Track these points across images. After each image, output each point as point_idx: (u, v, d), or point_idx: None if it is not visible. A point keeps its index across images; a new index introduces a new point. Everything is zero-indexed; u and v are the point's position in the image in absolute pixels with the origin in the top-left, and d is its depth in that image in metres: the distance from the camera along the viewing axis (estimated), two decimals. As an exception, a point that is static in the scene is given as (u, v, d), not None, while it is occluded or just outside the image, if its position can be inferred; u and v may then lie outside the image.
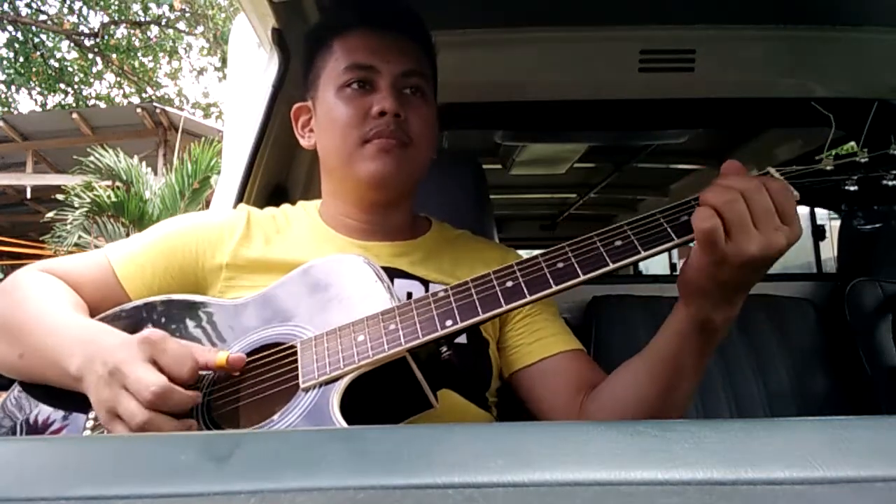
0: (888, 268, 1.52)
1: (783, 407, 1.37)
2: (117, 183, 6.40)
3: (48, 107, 12.90)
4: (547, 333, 0.86)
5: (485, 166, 1.53)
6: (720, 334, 0.66)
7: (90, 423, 0.70)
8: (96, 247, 6.00)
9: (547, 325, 0.87)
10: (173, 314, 0.78)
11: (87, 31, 12.45)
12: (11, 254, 9.08)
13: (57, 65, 12.66)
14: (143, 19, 12.56)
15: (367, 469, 0.29)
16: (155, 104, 8.27)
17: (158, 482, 0.28)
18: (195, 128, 7.71)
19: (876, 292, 1.47)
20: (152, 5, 12.33)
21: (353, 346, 0.65)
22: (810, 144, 2.01)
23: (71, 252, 6.08)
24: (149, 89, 13.47)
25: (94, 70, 13.12)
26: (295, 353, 0.68)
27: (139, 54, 13.04)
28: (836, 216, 2.19)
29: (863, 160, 0.64)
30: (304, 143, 0.95)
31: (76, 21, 12.35)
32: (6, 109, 12.02)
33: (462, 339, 0.80)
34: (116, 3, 12.15)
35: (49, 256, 6.41)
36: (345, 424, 0.60)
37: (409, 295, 0.80)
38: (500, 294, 0.64)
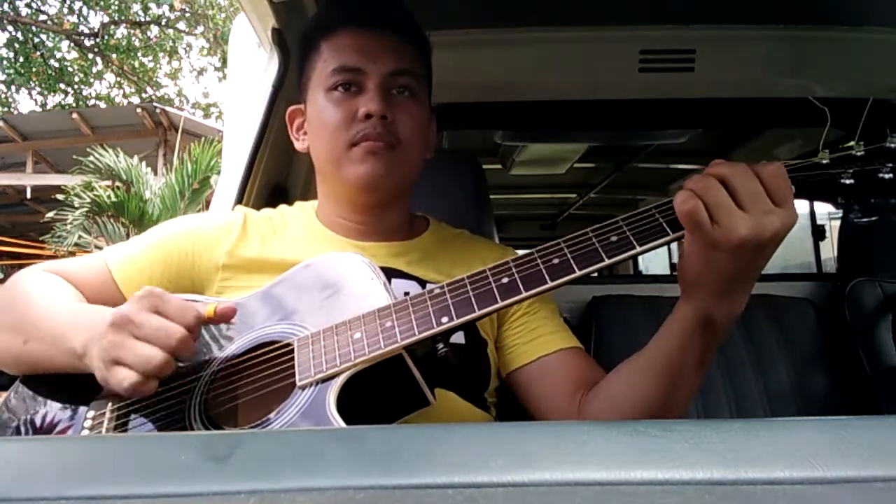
0: (888, 268, 1.52)
1: (783, 407, 1.37)
2: (117, 183, 6.40)
3: (48, 107, 12.92)
4: (545, 331, 0.86)
5: (485, 166, 1.53)
6: (722, 332, 0.65)
7: (88, 423, 0.70)
8: (97, 247, 6.01)
9: (545, 324, 0.87)
10: None
11: (87, 31, 12.46)
12: (11, 254, 9.08)
13: (57, 65, 12.67)
14: (143, 19, 12.57)
15: (367, 469, 0.29)
16: (155, 104, 8.27)
17: (158, 482, 0.28)
18: (195, 128, 7.71)
19: (876, 292, 1.47)
20: (152, 5, 12.35)
21: (349, 343, 0.65)
22: (810, 144, 2.01)
23: (71, 252, 6.10)
24: (149, 89, 13.48)
25: (94, 70, 13.14)
26: (292, 351, 0.68)
27: (139, 54, 13.05)
28: (836, 216, 2.20)
29: (859, 154, 0.64)
30: (298, 145, 0.95)
31: (76, 21, 12.37)
32: (6, 109, 12.03)
33: (460, 339, 0.80)
34: (116, 3, 12.16)
35: (49, 256, 6.42)
36: (341, 422, 0.60)
37: (407, 295, 0.81)
38: (495, 290, 0.64)
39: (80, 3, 12.06)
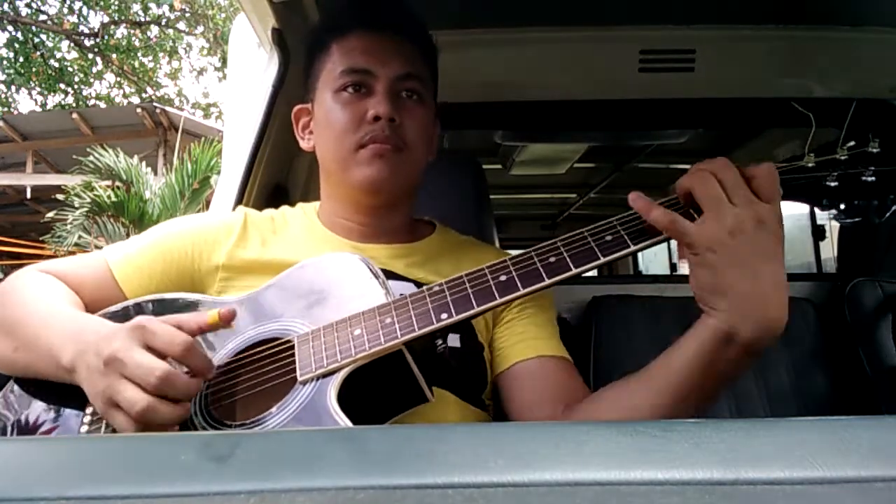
0: (888, 268, 1.52)
1: (783, 407, 1.37)
2: (117, 183, 6.40)
3: (48, 107, 12.92)
4: (528, 336, 0.83)
5: (485, 166, 1.53)
6: (750, 352, 0.59)
7: (87, 419, 0.70)
8: (97, 247, 6.01)
9: (531, 328, 0.84)
10: (170, 313, 0.78)
11: (87, 31, 12.46)
12: (11, 254, 9.08)
13: (57, 65, 12.67)
14: (143, 19, 12.57)
15: (367, 469, 0.29)
16: (155, 104, 8.27)
17: (158, 482, 0.28)
18: (195, 128, 7.71)
19: (876, 292, 1.47)
20: (152, 5, 12.35)
21: (349, 339, 0.65)
22: (810, 144, 2.00)
23: (71, 252, 6.10)
24: (149, 89, 13.48)
25: (94, 70, 13.14)
26: (292, 348, 0.68)
27: (139, 54, 13.05)
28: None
29: (843, 157, 0.66)
30: (303, 144, 0.95)
31: (76, 21, 12.37)
32: (6, 109, 12.03)
33: (456, 342, 0.81)
34: (116, 3, 12.16)
35: (49, 256, 6.42)
36: (343, 415, 0.61)
37: None
38: (493, 288, 0.65)
39: (80, 3, 12.07)
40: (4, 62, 12.10)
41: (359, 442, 0.32)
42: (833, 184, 0.67)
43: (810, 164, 0.66)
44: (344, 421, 0.60)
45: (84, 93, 13.18)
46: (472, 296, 0.65)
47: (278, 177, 1.37)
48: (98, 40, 12.35)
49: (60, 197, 6.44)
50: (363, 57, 0.85)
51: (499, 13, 1.35)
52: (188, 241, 0.86)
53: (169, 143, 7.68)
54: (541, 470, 0.28)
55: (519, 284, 0.64)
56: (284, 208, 0.97)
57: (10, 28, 11.78)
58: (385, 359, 0.65)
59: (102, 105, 12.60)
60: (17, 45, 12.07)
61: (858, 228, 1.63)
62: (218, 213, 1.15)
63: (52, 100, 13.09)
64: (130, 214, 6.16)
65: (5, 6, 11.40)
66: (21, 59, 12.11)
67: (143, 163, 6.68)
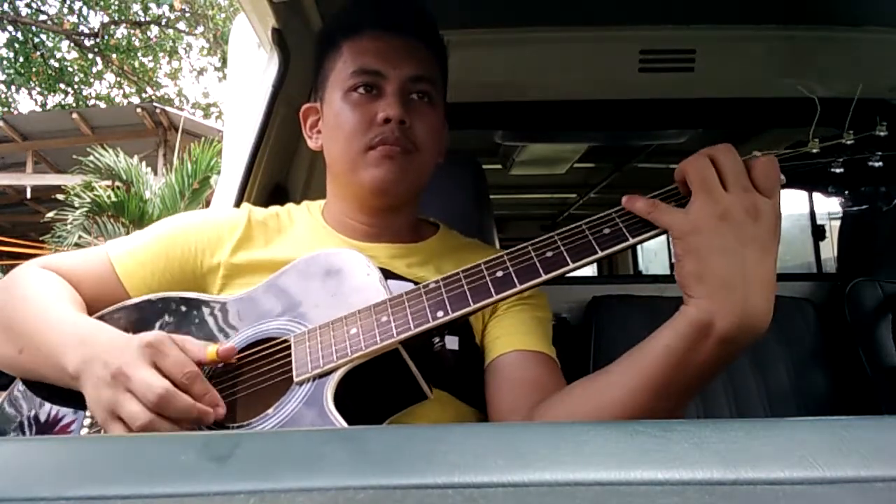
0: (888, 268, 1.53)
1: (783, 407, 1.38)
2: (117, 183, 6.40)
3: (48, 107, 12.91)
4: (510, 331, 0.82)
5: (485, 166, 1.54)
6: (726, 347, 0.56)
7: (87, 421, 0.70)
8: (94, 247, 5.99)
9: (514, 324, 0.83)
10: (169, 312, 0.78)
11: (87, 31, 12.46)
12: (11, 254, 9.08)
13: (57, 65, 12.67)
14: (143, 19, 12.57)
15: (367, 469, 0.29)
16: (155, 104, 8.27)
17: (158, 482, 0.28)
18: (195, 128, 7.71)
19: (876, 292, 1.47)
20: (152, 5, 12.35)
21: (345, 338, 0.65)
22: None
23: (71, 252, 6.09)
24: (149, 89, 13.47)
25: (94, 70, 13.14)
26: (289, 348, 0.68)
27: (139, 54, 13.05)
28: (836, 216, 2.19)
29: (849, 142, 0.64)
30: (311, 144, 0.94)
31: (76, 21, 12.37)
32: (6, 109, 12.03)
33: (454, 344, 0.80)
34: (116, 3, 12.16)
35: (49, 256, 6.39)
36: (339, 416, 0.61)
37: None
38: (490, 284, 0.64)
39: (80, 3, 12.07)
40: (4, 62, 12.10)
41: (359, 442, 0.32)
42: (838, 170, 0.65)
43: (815, 150, 0.64)
44: (340, 422, 0.60)
45: (84, 93, 13.18)
46: (468, 293, 0.64)
47: (278, 177, 1.37)
48: (98, 40, 12.35)
49: (60, 197, 6.43)
50: (375, 58, 0.85)
51: (499, 13, 1.35)
52: (191, 238, 0.86)
53: (169, 143, 7.68)
54: (541, 470, 0.28)
55: (515, 280, 0.63)
56: (290, 206, 0.97)
57: (10, 28, 11.79)
58: (382, 357, 0.65)
59: (102, 105, 12.60)
60: (17, 45, 12.07)
61: (858, 228, 1.63)
62: (222, 209, 1.15)
63: (52, 100, 13.10)
64: (130, 214, 6.16)
65: (5, 6, 11.40)
66: (21, 59, 12.11)
67: (143, 163, 6.67)
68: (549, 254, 0.63)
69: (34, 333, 0.72)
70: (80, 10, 12.22)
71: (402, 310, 0.65)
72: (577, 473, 0.27)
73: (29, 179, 8.10)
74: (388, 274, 0.83)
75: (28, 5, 11.87)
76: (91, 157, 6.25)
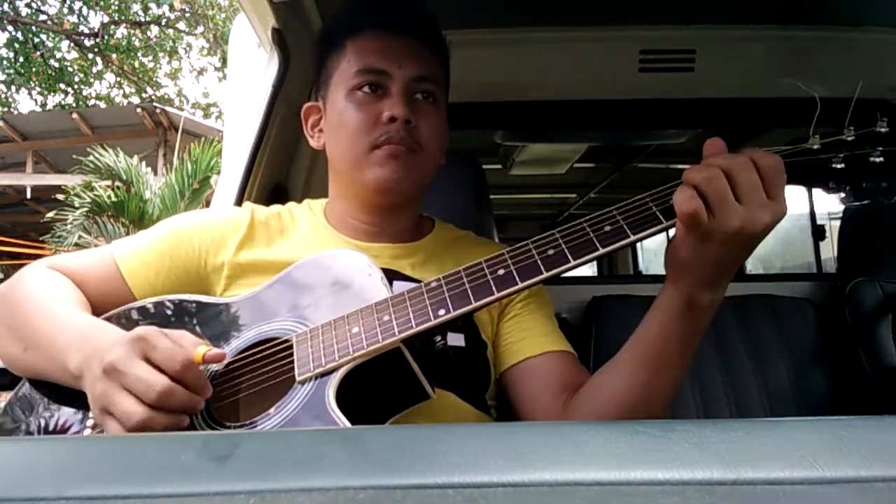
0: (888, 268, 1.52)
1: (783, 407, 1.37)
2: (117, 183, 6.40)
3: (48, 107, 12.91)
4: (535, 332, 0.85)
5: (485, 166, 1.53)
6: (705, 316, 0.65)
7: (90, 422, 0.70)
8: (97, 247, 6.00)
9: (536, 325, 0.86)
10: (172, 314, 0.79)
11: (87, 31, 12.45)
12: (11, 254, 9.08)
13: (57, 65, 12.66)
14: (143, 19, 12.56)
15: (367, 469, 0.29)
16: (155, 104, 8.27)
17: (158, 482, 0.28)
18: (195, 128, 7.71)
19: (876, 292, 1.47)
20: (152, 5, 12.34)
21: (347, 337, 0.65)
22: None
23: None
24: (149, 89, 13.47)
25: (94, 70, 13.13)
26: (291, 347, 0.68)
27: (139, 54, 13.04)
28: (836, 216, 2.20)
29: (849, 139, 0.64)
30: (313, 143, 0.94)
31: (76, 21, 12.36)
32: (6, 109, 12.03)
33: (460, 341, 0.80)
34: (116, 3, 12.15)
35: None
36: (341, 415, 0.61)
37: None
38: (491, 282, 0.64)
39: (80, 3, 12.06)
40: (4, 62, 12.09)
41: (359, 442, 0.32)
42: (839, 165, 0.65)
43: (815, 147, 0.65)
44: (342, 421, 0.60)
45: (84, 93, 13.18)
46: (469, 291, 0.64)
47: (278, 176, 1.37)
48: (98, 40, 12.34)
49: (60, 197, 6.44)
50: (379, 57, 0.85)
51: (499, 13, 1.35)
52: (195, 238, 0.86)
53: (169, 143, 7.68)
54: (541, 470, 0.28)
55: (517, 278, 0.63)
56: (291, 205, 0.97)
57: (10, 28, 11.78)
58: (384, 356, 0.64)
59: (102, 105, 12.59)
60: (17, 45, 12.07)
61: (858, 228, 1.63)
62: (224, 208, 1.15)
63: (52, 100, 13.09)
64: (130, 214, 6.16)
65: (5, 6, 11.40)
66: (21, 59, 12.10)
67: (143, 163, 6.68)
68: (551, 251, 0.63)
69: (38, 332, 0.72)
70: (80, 10, 12.22)
71: (404, 308, 0.65)
72: (577, 473, 0.27)
73: (29, 179, 8.10)
74: (394, 275, 0.83)
75: (28, 5, 11.88)
76: (91, 157, 6.26)
